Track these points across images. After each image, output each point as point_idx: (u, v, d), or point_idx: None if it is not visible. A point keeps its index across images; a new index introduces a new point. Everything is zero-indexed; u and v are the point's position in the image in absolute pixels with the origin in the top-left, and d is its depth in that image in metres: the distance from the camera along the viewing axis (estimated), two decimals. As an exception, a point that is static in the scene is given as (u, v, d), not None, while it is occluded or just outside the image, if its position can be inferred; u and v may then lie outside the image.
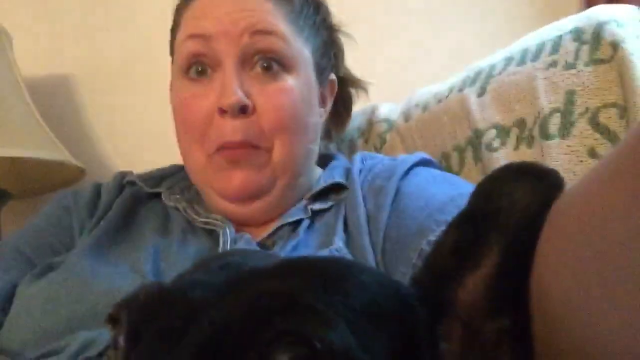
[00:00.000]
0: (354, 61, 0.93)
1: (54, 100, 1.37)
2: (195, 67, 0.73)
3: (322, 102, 0.83)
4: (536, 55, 0.80)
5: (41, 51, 1.38)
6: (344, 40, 0.90)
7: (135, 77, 1.35)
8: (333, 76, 0.85)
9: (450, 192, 0.67)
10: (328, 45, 0.84)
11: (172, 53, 0.80)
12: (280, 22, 0.73)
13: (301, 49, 0.76)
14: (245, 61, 0.72)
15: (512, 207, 0.33)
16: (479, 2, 1.24)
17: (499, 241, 0.33)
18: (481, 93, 0.83)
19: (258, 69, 0.72)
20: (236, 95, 0.69)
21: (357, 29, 0.90)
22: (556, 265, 0.33)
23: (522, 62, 0.81)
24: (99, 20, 1.38)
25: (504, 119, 0.80)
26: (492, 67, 0.85)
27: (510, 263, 0.33)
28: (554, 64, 0.77)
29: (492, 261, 0.34)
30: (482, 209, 0.34)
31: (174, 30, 0.80)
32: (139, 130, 1.33)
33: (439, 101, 0.90)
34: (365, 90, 0.94)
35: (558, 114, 0.74)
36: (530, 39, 0.83)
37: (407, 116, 0.95)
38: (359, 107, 1.01)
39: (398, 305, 0.35)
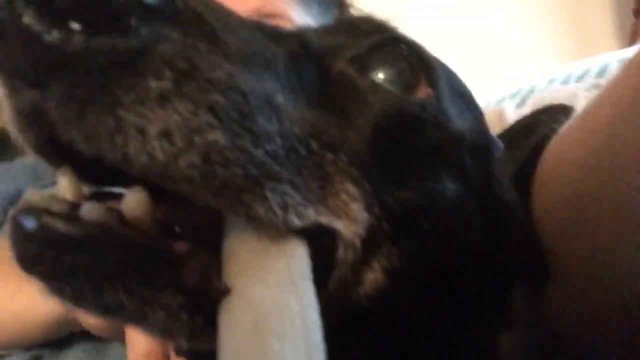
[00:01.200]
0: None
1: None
2: None
3: None
4: (580, 77, 0.81)
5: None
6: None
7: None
8: None
9: None
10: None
11: None
12: (290, 6, 0.73)
13: None
14: None
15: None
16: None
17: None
18: (521, 104, 0.84)
19: None
20: None
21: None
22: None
23: (565, 82, 0.82)
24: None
25: (541, 130, 0.80)
26: (533, 85, 0.86)
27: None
28: (598, 86, 0.78)
29: None
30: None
31: None
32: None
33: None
34: None
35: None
36: (574, 66, 0.85)
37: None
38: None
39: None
